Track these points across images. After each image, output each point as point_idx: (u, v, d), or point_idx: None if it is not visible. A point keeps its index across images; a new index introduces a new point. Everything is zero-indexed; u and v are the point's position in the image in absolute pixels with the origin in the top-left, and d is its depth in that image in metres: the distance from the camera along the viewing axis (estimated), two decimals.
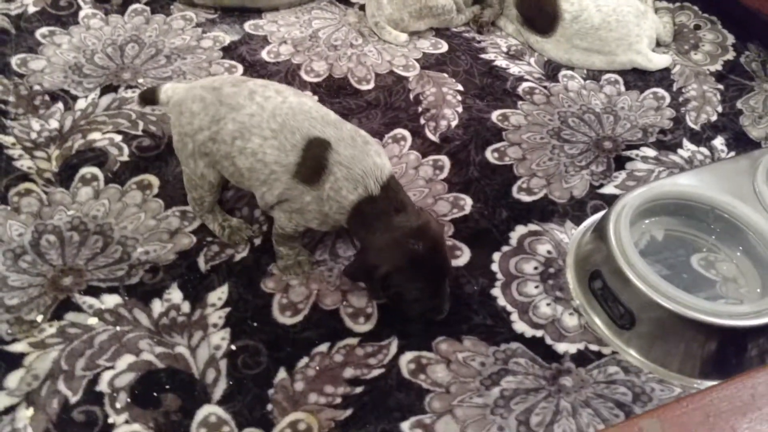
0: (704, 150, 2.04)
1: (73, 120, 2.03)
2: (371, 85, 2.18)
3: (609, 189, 1.92)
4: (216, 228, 1.76)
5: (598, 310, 1.65)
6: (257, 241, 1.77)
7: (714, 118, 2.14)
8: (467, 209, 1.86)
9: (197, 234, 1.77)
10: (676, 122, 2.12)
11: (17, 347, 1.56)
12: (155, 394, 1.50)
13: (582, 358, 1.58)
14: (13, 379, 1.50)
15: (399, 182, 1.55)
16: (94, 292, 1.65)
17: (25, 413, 1.46)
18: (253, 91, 1.56)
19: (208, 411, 1.47)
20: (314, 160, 1.49)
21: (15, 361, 1.53)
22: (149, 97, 1.74)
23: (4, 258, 1.70)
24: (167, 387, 1.51)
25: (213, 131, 1.56)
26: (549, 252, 1.77)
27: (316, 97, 2.08)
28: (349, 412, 1.48)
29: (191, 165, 1.64)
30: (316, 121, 1.52)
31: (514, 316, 1.65)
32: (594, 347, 1.60)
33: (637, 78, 2.26)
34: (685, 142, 2.06)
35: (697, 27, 2.46)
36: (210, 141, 1.57)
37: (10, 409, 1.46)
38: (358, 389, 1.51)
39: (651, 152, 2.03)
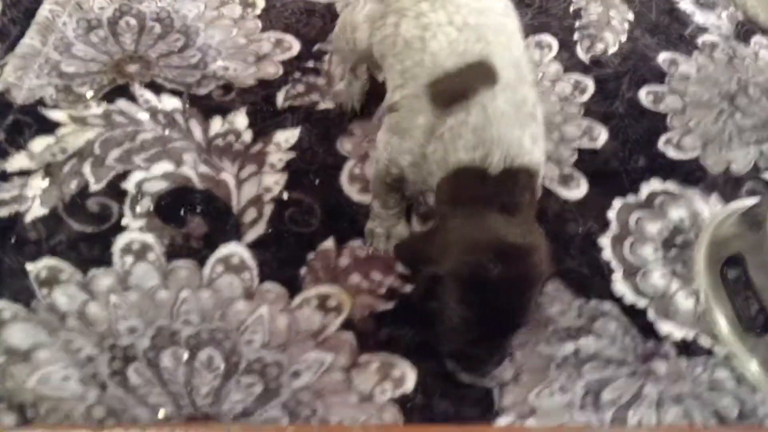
0: None
1: None
2: None
3: None
4: (345, 78, 1.48)
5: (724, 303, 1.31)
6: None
7: None
8: (600, 143, 1.53)
9: (286, 67, 1.53)
10: None
11: (56, 114, 1.37)
12: (182, 212, 1.28)
13: (687, 349, 1.25)
14: (39, 143, 1.32)
15: (534, 189, 1.08)
16: (156, 88, 1.44)
17: (39, 183, 1.27)
18: None
19: (234, 250, 1.24)
20: (464, 83, 1.07)
21: (48, 127, 1.35)
22: None
23: (77, 25, 1.51)
24: (198, 210, 1.28)
25: None
26: (681, 220, 1.43)
27: None
28: (390, 305, 1.21)
29: (357, 9, 1.29)
30: (503, 49, 1.12)
31: (617, 275, 1.33)
32: (705, 342, 1.27)
33: None
34: None
35: None
36: None
37: (26, 173, 1.28)
38: (410, 287, 1.24)
39: None
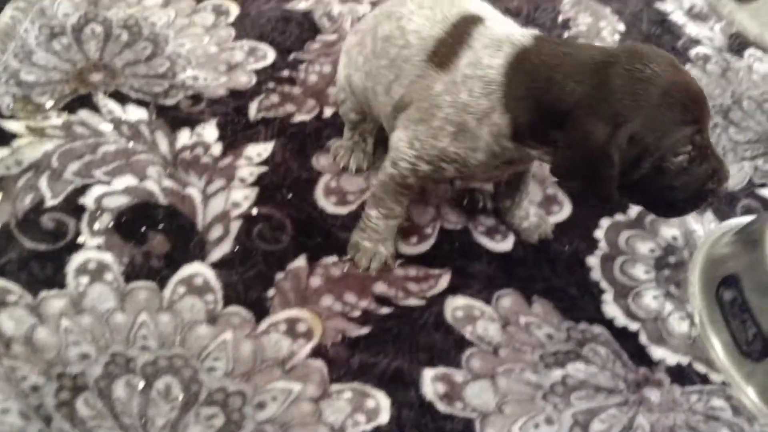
0: None
1: None
2: None
3: None
4: (345, 136, 1.36)
5: (720, 326, 1.24)
6: (327, 111, 1.44)
7: None
8: None
9: (260, 76, 1.46)
10: None
11: (12, 125, 1.29)
12: (143, 229, 1.20)
13: (681, 375, 1.18)
14: None
15: None
16: (121, 98, 1.37)
17: None
18: None
19: (197, 270, 1.16)
20: (457, 36, 1.06)
21: (4, 138, 1.27)
22: None
23: (39, 32, 1.44)
24: (160, 227, 1.20)
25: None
26: (674, 238, 1.36)
27: None
28: (365, 330, 1.13)
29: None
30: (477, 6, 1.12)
31: (608, 296, 1.26)
32: (700, 368, 1.19)
33: None
34: None
35: None
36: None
37: None
38: (386, 310, 1.16)
39: None
